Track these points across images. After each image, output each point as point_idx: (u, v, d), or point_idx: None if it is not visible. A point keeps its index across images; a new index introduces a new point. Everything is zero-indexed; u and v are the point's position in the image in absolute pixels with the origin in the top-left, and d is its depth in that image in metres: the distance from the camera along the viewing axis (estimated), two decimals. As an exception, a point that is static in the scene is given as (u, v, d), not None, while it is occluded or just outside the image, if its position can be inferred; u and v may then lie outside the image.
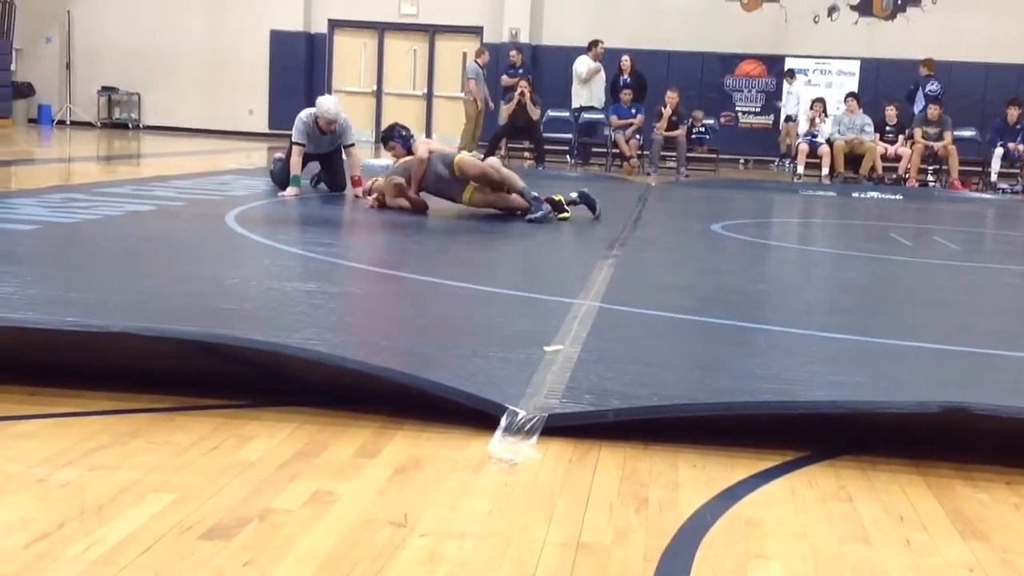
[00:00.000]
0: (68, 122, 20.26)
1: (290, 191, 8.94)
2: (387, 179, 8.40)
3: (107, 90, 20.21)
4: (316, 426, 2.82)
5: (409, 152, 8.65)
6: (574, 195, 8.42)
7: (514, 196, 8.21)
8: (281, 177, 9.30)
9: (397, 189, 8.28)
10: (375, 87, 20.03)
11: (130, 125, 20.15)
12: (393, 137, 8.89)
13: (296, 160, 9.07)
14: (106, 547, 2.03)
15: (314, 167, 9.52)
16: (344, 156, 9.41)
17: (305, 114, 9.19)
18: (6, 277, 4.63)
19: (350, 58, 20.01)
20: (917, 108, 15.71)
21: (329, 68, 20.02)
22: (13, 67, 19.67)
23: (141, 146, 16.56)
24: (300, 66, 19.65)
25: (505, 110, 15.12)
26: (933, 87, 15.98)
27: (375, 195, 8.48)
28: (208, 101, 19.90)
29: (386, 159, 9.74)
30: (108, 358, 3.16)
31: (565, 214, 8.13)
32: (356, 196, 9.03)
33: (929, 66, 16.20)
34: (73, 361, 3.15)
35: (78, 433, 2.69)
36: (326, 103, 9.23)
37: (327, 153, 9.38)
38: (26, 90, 20.13)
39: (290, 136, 9.22)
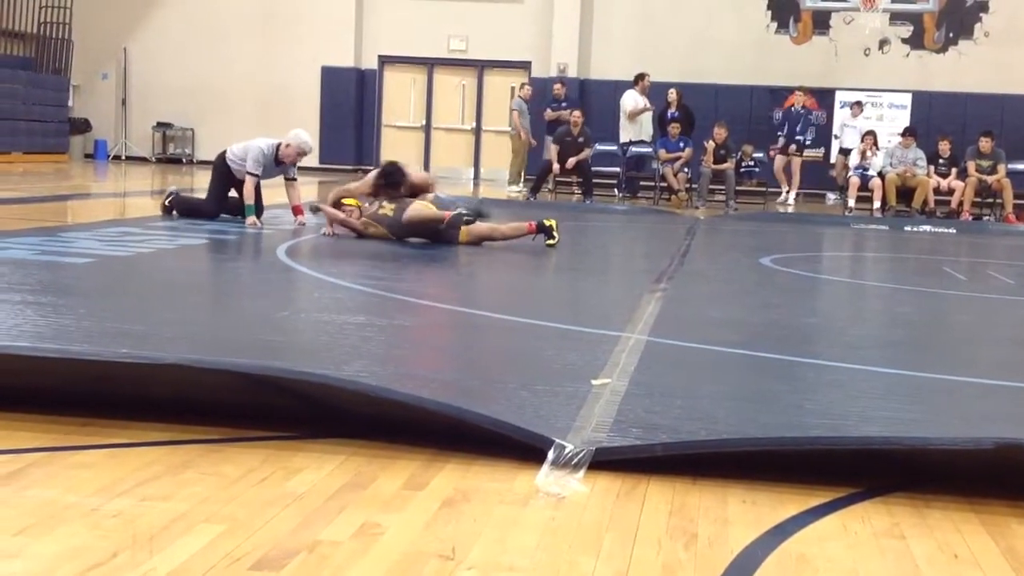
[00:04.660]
0: (123, 157, 20.62)
1: (250, 220, 9.01)
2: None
3: (162, 126, 20.58)
4: (364, 458, 2.83)
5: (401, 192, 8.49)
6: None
7: (507, 227, 8.33)
8: (188, 207, 9.49)
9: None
10: (424, 122, 20.21)
11: (184, 160, 20.47)
12: (401, 182, 8.45)
13: (250, 190, 9.11)
14: (157, 577, 2.05)
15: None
16: (287, 188, 9.43)
17: (265, 145, 9.18)
18: (62, 309, 4.70)
19: (399, 93, 20.22)
20: (808, 138, 16.43)
21: (379, 103, 20.24)
22: (70, 103, 20.10)
23: (194, 180, 16.78)
24: (350, 102, 19.89)
25: (553, 149, 15.17)
26: (811, 117, 17.01)
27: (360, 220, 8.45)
28: (260, 136, 20.15)
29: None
30: (160, 389, 3.19)
31: (552, 240, 8.19)
32: (301, 224, 9.08)
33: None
34: (126, 392, 3.20)
35: (131, 464, 2.72)
36: (307, 136, 9.30)
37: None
38: (83, 126, 20.54)
39: (212, 165, 9.38)
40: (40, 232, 7.84)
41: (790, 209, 15.65)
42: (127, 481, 2.59)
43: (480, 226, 8.27)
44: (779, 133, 16.72)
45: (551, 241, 8.19)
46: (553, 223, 8.26)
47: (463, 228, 8.17)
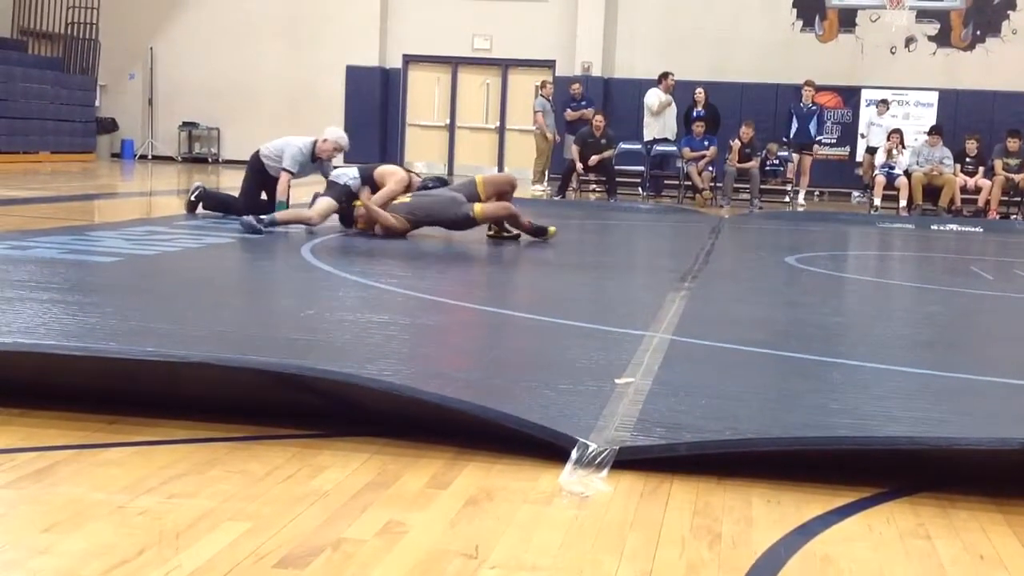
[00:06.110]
0: (150, 156, 20.74)
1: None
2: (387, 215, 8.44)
3: (188, 125, 20.69)
4: (388, 456, 2.84)
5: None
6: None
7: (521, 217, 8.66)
8: (217, 201, 9.62)
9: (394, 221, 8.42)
10: (448, 121, 20.23)
11: (210, 159, 20.58)
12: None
13: (284, 187, 9.17)
14: (183, 575, 2.06)
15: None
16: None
17: (302, 143, 9.28)
18: (89, 308, 4.74)
19: (424, 92, 20.25)
20: (813, 130, 16.10)
21: (403, 102, 20.28)
22: (97, 103, 20.25)
23: (220, 180, 16.87)
24: (375, 101, 19.94)
25: (575, 149, 15.19)
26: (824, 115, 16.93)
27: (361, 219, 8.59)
28: (286, 135, 20.23)
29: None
30: (187, 387, 3.22)
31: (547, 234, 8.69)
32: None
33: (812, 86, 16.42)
34: (153, 390, 3.22)
35: (157, 461, 2.74)
36: (343, 132, 9.59)
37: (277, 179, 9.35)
38: (110, 125, 20.69)
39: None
40: (67, 231, 7.90)
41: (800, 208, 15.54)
42: (153, 479, 2.61)
43: (492, 204, 8.40)
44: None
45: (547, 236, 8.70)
46: (552, 230, 8.73)
47: (477, 208, 8.37)
